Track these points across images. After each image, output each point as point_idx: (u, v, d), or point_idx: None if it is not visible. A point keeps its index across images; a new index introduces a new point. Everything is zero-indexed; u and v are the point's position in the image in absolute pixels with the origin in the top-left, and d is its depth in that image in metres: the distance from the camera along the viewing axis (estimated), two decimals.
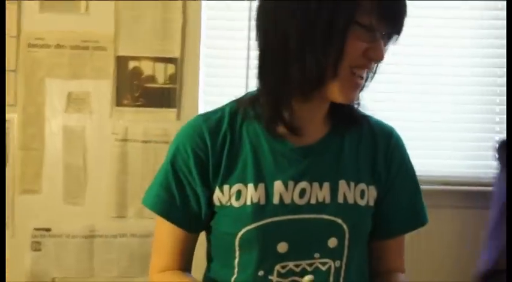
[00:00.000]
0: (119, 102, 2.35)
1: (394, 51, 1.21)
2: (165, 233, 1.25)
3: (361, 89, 1.20)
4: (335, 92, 1.14)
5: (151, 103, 2.35)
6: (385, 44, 1.16)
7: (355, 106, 1.25)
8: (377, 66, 1.20)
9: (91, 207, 2.39)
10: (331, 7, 1.09)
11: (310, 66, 1.11)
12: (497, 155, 1.52)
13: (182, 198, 1.21)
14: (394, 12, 1.13)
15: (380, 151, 1.26)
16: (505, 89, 2.40)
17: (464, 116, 2.46)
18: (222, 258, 1.25)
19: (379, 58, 1.14)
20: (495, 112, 2.46)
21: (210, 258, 1.29)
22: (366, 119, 1.27)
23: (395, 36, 1.17)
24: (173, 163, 1.22)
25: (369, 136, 1.27)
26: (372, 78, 1.21)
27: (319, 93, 1.15)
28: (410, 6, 1.15)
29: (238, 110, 1.24)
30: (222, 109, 1.26)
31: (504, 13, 2.38)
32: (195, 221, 1.23)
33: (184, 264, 1.26)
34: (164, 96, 2.35)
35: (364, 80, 1.18)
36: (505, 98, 2.38)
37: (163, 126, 2.36)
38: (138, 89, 2.34)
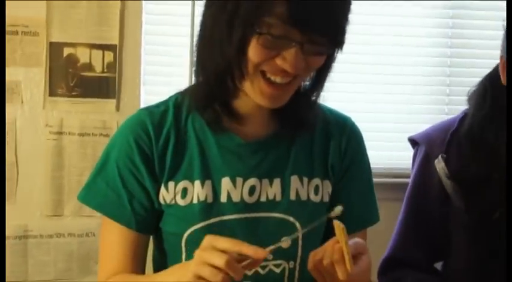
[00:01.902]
0: (52, 92, 2.25)
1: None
2: (114, 236, 1.18)
3: (300, 94, 1.13)
4: (250, 93, 1.08)
5: (88, 93, 2.25)
6: (312, 53, 1.04)
7: (312, 101, 1.17)
8: (321, 75, 1.12)
9: (24, 206, 2.29)
10: (232, 7, 1.03)
11: (216, 60, 1.07)
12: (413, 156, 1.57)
13: (130, 196, 1.16)
14: (309, 19, 1.00)
15: (333, 142, 1.22)
16: (452, 88, 2.50)
17: (416, 107, 2.49)
18: (171, 262, 1.19)
19: (287, 70, 1.03)
20: (445, 103, 2.51)
21: (163, 266, 1.21)
22: (320, 111, 1.21)
23: (333, 47, 1.07)
24: (117, 159, 1.16)
25: (322, 128, 1.22)
26: (317, 86, 1.14)
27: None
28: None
29: (182, 103, 1.18)
30: (165, 102, 1.20)
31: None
32: (145, 220, 1.17)
33: (137, 268, 1.19)
34: (102, 86, 2.26)
35: (289, 86, 1.07)
36: (452, 97, 2.49)
37: (101, 118, 2.28)
38: (74, 78, 2.24)
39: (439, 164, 1.45)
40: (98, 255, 1.26)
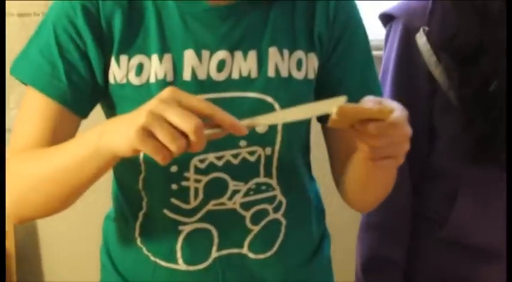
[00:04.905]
0: None
1: None
2: (39, 110, 0.96)
3: None
4: None
5: None
6: None
7: None
8: None
9: None
10: None
11: None
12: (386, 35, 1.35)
13: (69, 67, 0.95)
14: None
15: (319, 7, 1.02)
16: None
17: None
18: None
19: None
20: None
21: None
22: None
23: None
24: (54, 22, 0.95)
25: None
26: None
27: None
28: None
29: None
30: None
31: None
32: (83, 96, 0.97)
33: None
34: None
35: None
36: None
37: None
38: None
39: (421, 39, 1.25)
40: None
